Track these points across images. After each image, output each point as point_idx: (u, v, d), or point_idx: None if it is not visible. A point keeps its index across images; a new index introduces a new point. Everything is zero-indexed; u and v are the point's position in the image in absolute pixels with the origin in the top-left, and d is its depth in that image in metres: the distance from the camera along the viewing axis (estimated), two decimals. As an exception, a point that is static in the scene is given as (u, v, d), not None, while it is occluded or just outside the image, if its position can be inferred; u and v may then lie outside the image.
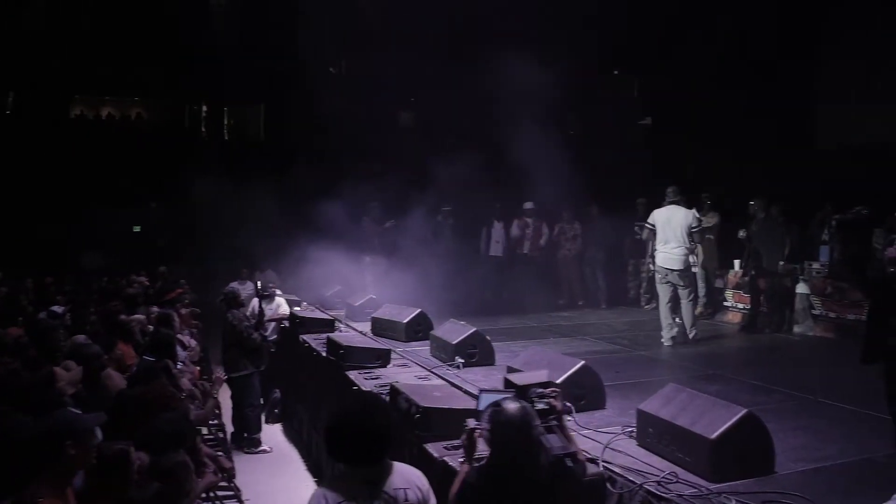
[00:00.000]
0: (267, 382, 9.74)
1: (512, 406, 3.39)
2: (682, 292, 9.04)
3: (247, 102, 24.57)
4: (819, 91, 14.43)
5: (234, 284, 12.34)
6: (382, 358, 7.06)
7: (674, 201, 9.16)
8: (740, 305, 10.53)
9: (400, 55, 16.97)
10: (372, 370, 6.81)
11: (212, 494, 5.55)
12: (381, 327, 9.04)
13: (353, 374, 6.70)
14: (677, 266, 8.95)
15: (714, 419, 4.17)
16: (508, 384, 4.55)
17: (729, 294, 10.81)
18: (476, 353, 7.30)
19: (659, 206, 9.31)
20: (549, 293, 12.53)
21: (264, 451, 8.45)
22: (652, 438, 4.56)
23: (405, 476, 3.10)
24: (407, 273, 11.44)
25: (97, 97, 24.02)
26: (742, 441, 4.08)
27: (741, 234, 10.17)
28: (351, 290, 11.39)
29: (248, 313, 9.41)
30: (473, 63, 14.11)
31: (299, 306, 10.85)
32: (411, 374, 6.73)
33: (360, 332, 9.03)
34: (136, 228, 21.99)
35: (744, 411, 4.14)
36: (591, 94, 18.25)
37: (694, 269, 9.77)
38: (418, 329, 8.66)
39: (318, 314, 9.82)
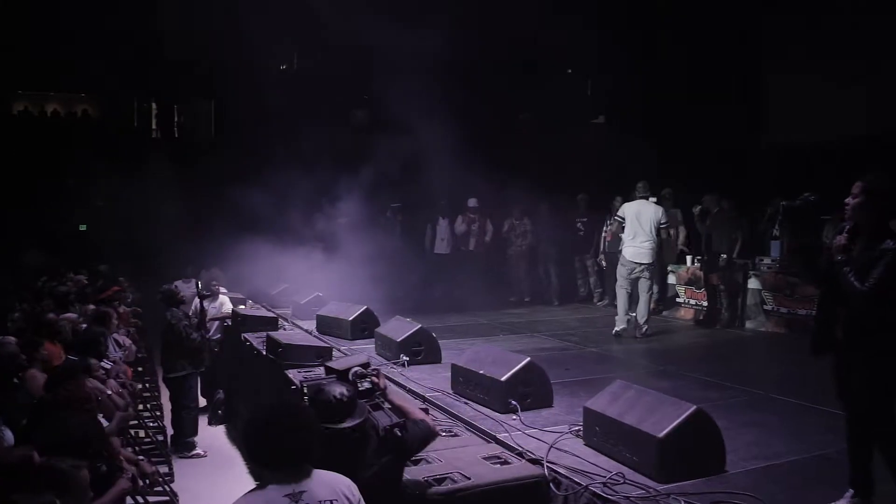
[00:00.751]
0: (210, 383, 9.41)
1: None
2: (644, 285, 9.03)
3: (197, 99, 24.00)
4: (770, 84, 14.42)
5: (179, 283, 11.94)
6: (323, 356, 6.78)
7: (643, 196, 9.17)
8: (692, 301, 10.43)
9: (353, 52, 16.66)
10: (312, 369, 6.52)
11: (140, 501, 5.23)
12: (326, 325, 8.79)
13: (291, 373, 6.42)
14: (647, 259, 8.99)
15: (662, 417, 3.98)
16: (329, 371, 4.33)
17: (681, 290, 10.70)
18: (422, 350, 7.09)
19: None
20: (499, 290, 12.36)
21: (198, 455, 8.05)
22: (599, 437, 4.37)
23: (331, 485, 2.83)
24: (356, 270, 11.16)
25: (42, 92, 23.28)
26: (691, 439, 3.90)
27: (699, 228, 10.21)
28: (298, 287, 11.07)
29: (191, 312, 9.11)
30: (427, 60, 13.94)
31: (244, 304, 10.52)
32: (352, 372, 6.42)
33: (306, 331, 8.77)
34: (83, 227, 21.40)
35: (693, 408, 3.96)
36: (545, 93, 18.09)
37: None
38: (364, 327, 8.42)
39: (261, 312, 9.50)
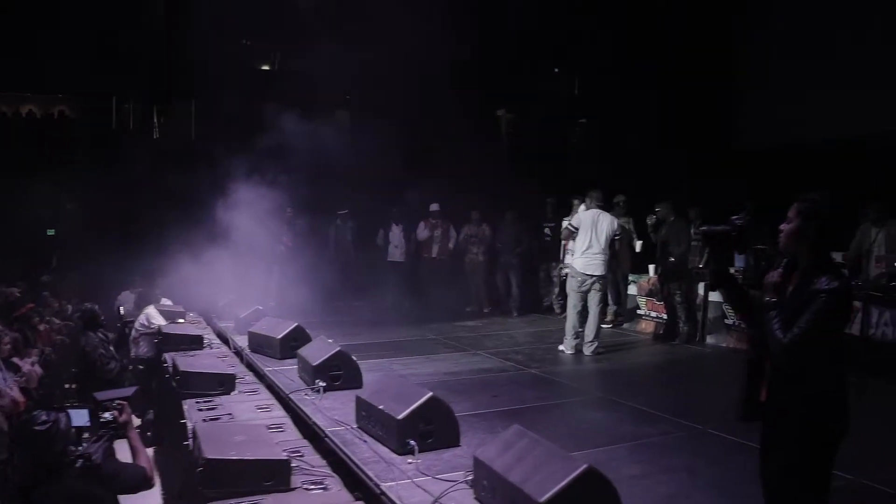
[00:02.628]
0: (142, 403, 8.82)
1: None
2: (595, 298, 8.53)
3: (177, 100, 23.39)
4: (742, 89, 13.90)
5: (126, 293, 11.41)
6: (226, 384, 6.18)
7: (599, 205, 8.70)
8: (653, 314, 9.86)
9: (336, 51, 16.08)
10: (212, 398, 5.92)
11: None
12: (257, 343, 8.20)
13: (188, 404, 5.82)
14: (599, 272, 8.54)
15: (548, 476, 3.39)
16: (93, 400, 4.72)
17: (642, 301, 10.12)
18: (341, 375, 6.46)
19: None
20: (457, 300, 11.79)
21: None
22: (487, 492, 3.79)
23: None
24: (304, 281, 10.60)
25: (18, 94, 22.64)
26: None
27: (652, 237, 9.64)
28: (242, 300, 10.48)
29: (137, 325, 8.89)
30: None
31: (183, 318, 9.92)
32: (254, 403, 5.85)
33: (239, 348, 8.21)
34: (51, 232, 20.80)
35: (582, 468, 3.36)
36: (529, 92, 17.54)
37: None
38: (294, 345, 7.77)
39: (186, 329, 8.87)
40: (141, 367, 9.06)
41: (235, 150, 11.01)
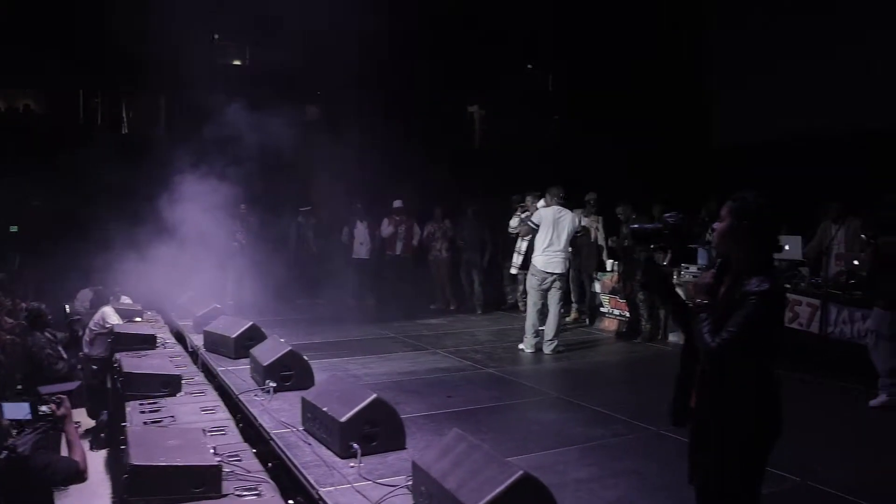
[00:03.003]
0: (96, 404, 8.62)
1: None
2: (556, 297, 8.41)
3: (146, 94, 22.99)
4: (715, 87, 13.89)
5: (86, 290, 11.13)
6: (171, 385, 5.98)
7: (561, 203, 8.52)
8: (617, 311, 9.78)
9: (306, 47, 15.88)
10: (156, 400, 5.73)
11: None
12: (212, 342, 8.01)
13: (130, 406, 5.63)
14: (560, 269, 8.43)
15: (483, 483, 3.27)
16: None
17: (605, 299, 10.04)
18: (291, 375, 6.30)
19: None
20: (421, 298, 11.64)
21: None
22: (424, 498, 3.66)
23: None
24: (265, 278, 10.42)
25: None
26: (516, 512, 3.18)
27: (611, 242, 9.57)
28: (201, 297, 10.27)
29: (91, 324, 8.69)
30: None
31: (141, 317, 9.70)
32: (199, 404, 5.67)
33: (194, 348, 8.03)
34: (13, 228, 20.37)
35: (518, 475, 3.23)
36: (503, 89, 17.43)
37: None
38: (249, 345, 7.60)
39: (139, 328, 8.64)
40: (94, 367, 8.85)
41: (191, 143, 10.76)
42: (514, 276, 11.40)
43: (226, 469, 3.99)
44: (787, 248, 8.19)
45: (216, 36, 19.14)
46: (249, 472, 4.14)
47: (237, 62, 22.38)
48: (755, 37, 12.70)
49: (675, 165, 12.84)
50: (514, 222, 9.65)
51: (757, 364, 2.84)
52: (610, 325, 9.85)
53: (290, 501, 4.36)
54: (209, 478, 3.72)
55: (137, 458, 3.69)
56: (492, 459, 3.45)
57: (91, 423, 8.48)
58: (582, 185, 10.84)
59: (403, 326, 9.94)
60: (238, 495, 3.78)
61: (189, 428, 4.66)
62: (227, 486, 3.83)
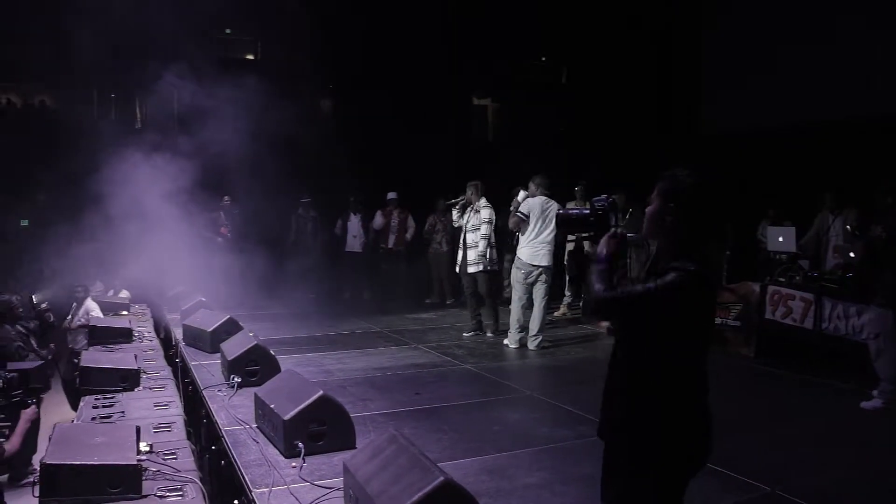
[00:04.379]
0: (78, 398, 8.51)
1: None
2: (541, 290, 8.15)
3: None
4: (704, 77, 13.58)
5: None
6: (130, 380, 5.82)
7: (546, 193, 8.27)
8: (610, 307, 9.49)
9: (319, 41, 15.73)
10: (113, 395, 5.57)
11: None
12: (191, 336, 7.88)
13: (84, 401, 5.48)
14: (546, 262, 8.16)
15: (404, 489, 3.06)
16: None
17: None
18: (258, 370, 6.12)
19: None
20: (417, 291, 11.42)
21: (30, 483, 7.11)
22: (352, 503, 3.44)
23: None
24: (259, 272, 10.26)
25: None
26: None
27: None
28: (190, 291, 10.14)
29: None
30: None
31: (127, 310, 9.60)
32: (154, 400, 5.50)
33: (175, 341, 7.91)
34: (24, 222, 20.48)
35: (437, 482, 3.00)
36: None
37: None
38: (225, 338, 7.46)
39: (117, 322, 8.51)
40: (76, 360, 8.74)
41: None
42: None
43: (153, 468, 3.81)
44: (780, 239, 7.91)
45: (228, 31, 19.01)
46: (179, 471, 3.95)
47: (250, 56, 22.36)
48: (748, 25, 12.40)
49: (669, 153, 12.53)
50: (455, 216, 9.19)
51: (667, 365, 2.47)
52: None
53: (235, 501, 4.20)
54: (127, 477, 3.53)
55: (52, 456, 3.51)
56: (416, 464, 3.23)
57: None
58: (581, 176, 10.60)
59: (391, 321, 9.74)
60: (160, 496, 3.59)
61: (124, 425, 4.48)
62: (151, 486, 3.65)
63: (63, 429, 4.10)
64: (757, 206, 9.93)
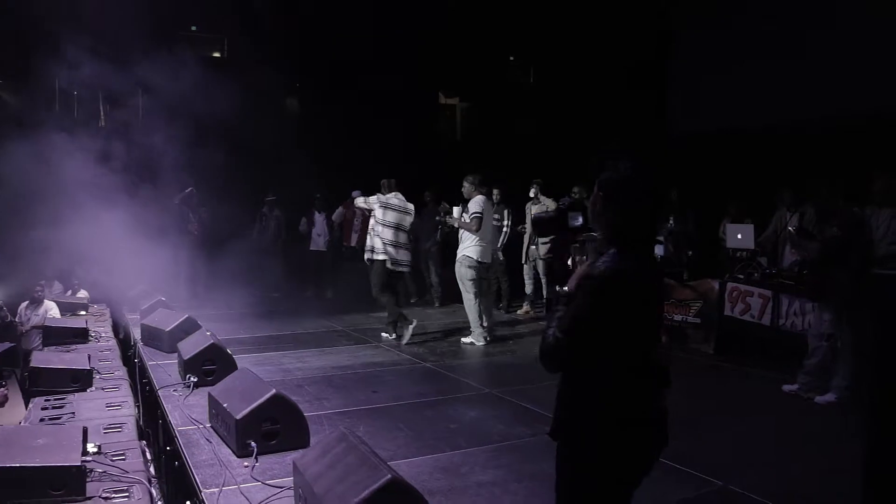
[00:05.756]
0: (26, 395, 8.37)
1: None
2: (484, 286, 8.37)
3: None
4: (671, 77, 13.67)
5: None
6: (82, 380, 5.71)
7: (482, 191, 8.26)
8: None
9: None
10: (64, 396, 5.46)
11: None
12: (149, 336, 7.79)
13: (34, 403, 5.36)
14: (490, 259, 8.45)
15: (350, 487, 3.04)
16: None
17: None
18: (214, 369, 6.05)
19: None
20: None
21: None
22: (301, 502, 3.41)
23: None
24: (222, 270, 10.15)
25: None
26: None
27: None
28: (149, 290, 9.99)
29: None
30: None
31: (85, 310, 9.43)
32: (106, 400, 5.40)
33: (133, 341, 7.81)
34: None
35: (384, 479, 2.99)
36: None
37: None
38: (183, 338, 7.38)
39: (72, 322, 8.36)
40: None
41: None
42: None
43: (99, 469, 3.74)
44: (739, 237, 7.98)
45: (193, 28, 18.79)
46: (127, 472, 3.88)
47: (216, 54, 22.12)
48: (715, 27, 12.50)
49: (635, 152, 12.58)
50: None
51: (603, 365, 2.40)
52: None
53: (188, 502, 4.15)
54: (70, 479, 3.46)
55: (-9, 459, 3.42)
56: (364, 462, 3.21)
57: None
58: (545, 175, 10.59)
59: (354, 319, 9.68)
60: (105, 497, 3.52)
61: (71, 426, 4.39)
62: (96, 488, 3.58)
63: (4, 431, 4.01)
64: (720, 204, 9.99)
